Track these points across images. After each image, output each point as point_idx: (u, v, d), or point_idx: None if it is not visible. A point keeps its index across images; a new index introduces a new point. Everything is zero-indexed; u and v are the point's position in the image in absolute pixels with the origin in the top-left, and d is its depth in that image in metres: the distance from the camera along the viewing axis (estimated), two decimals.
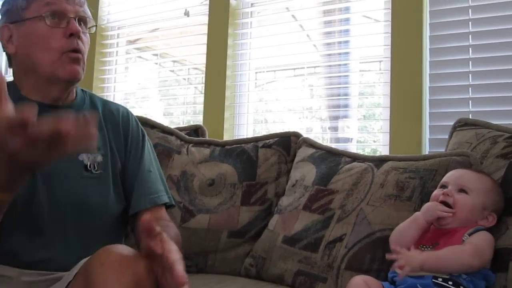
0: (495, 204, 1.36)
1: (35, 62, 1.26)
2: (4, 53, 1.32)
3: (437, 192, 1.39)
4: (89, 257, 1.08)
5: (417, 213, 1.38)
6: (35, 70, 1.26)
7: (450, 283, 1.20)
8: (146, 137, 1.48)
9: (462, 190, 1.35)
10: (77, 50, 1.27)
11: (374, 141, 2.37)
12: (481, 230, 1.30)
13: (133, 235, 1.39)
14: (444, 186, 1.39)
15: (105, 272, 1.00)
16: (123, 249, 1.07)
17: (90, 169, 1.30)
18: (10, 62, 1.32)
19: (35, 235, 1.22)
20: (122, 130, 1.41)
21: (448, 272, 1.22)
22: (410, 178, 1.53)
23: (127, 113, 1.46)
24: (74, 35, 1.26)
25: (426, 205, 1.37)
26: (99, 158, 1.32)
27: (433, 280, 1.21)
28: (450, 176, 1.41)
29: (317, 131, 2.39)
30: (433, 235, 1.34)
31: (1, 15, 1.30)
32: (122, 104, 1.52)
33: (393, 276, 1.31)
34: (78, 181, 1.28)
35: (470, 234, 1.28)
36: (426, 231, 1.36)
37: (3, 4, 1.31)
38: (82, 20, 1.30)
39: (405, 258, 1.21)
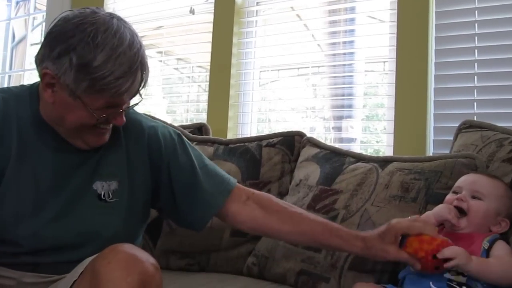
0: (508, 209, 1.34)
1: (65, 124, 1.19)
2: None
3: (450, 197, 1.37)
4: (95, 256, 1.07)
5: (428, 212, 1.37)
6: (61, 126, 1.21)
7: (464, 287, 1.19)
8: (183, 137, 1.41)
9: (475, 196, 1.33)
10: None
11: (377, 142, 2.36)
12: (498, 239, 1.28)
13: (235, 227, 1.49)
14: (456, 192, 1.37)
15: (112, 271, 1.00)
16: (130, 248, 1.07)
17: (104, 198, 1.26)
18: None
19: (43, 256, 1.21)
20: (148, 147, 1.34)
21: (489, 282, 1.20)
22: (415, 179, 1.53)
23: (152, 126, 1.38)
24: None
25: (440, 206, 1.36)
26: (114, 185, 1.28)
27: (447, 282, 1.20)
28: (463, 181, 1.39)
29: (320, 131, 2.39)
30: (447, 237, 1.32)
31: (52, 60, 1.13)
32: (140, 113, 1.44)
33: (404, 275, 1.31)
34: (91, 211, 1.24)
35: (490, 242, 1.26)
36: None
37: (56, 49, 1.12)
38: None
39: (453, 250, 1.19)
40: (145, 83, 1.19)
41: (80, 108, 1.15)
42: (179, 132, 1.43)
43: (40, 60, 1.16)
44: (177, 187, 1.35)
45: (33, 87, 1.27)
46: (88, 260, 1.11)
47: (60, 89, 1.14)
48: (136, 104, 1.26)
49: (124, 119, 1.22)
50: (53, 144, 1.23)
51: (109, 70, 1.10)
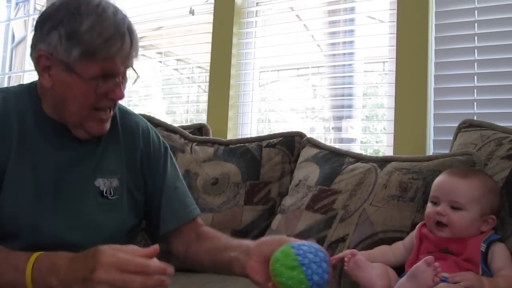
0: (491, 205, 1.32)
1: (67, 108, 1.19)
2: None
3: (430, 209, 1.33)
4: None
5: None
6: (64, 112, 1.21)
7: None
8: (169, 151, 1.44)
9: (455, 207, 1.29)
10: (110, 109, 1.24)
11: (377, 142, 2.36)
12: (495, 241, 1.27)
13: (171, 250, 1.42)
14: (435, 202, 1.34)
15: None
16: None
17: (106, 195, 1.27)
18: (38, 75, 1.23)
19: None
20: (142, 150, 1.37)
21: None
22: (413, 179, 1.53)
23: (147, 130, 1.40)
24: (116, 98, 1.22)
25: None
26: (115, 182, 1.29)
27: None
28: (439, 189, 1.34)
29: (319, 131, 2.39)
30: (438, 241, 1.30)
31: (43, 39, 1.16)
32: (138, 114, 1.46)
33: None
34: (94, 208, 1.25)
35: (487, 244, 1.26)
36: (423, 237, 1.34)
37: (45, 28, 1.16)
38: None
39: (465, 277, 1.17)
40: (136, 51, 1.21)
41: (78, 82, 1.15)
42: (167, 146, 1.45)
43: (33, 46, 1.19)
44: (146, 195, 1.37)
45: (31, 85, 1.28)
46: None
47: (55, 68, 1.16)
48: (135, 81, 1.27)
49: (123, 92, 1.22)
50: (55, 139, 1.24)
51: (97, 33, 1.12)
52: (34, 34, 1.19)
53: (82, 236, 1.22)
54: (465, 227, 1.29)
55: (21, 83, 1.38)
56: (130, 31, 1.18)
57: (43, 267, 1.03)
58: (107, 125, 1.26)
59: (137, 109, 2.68)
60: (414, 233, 1.38)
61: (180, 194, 1.41)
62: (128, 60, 1.20)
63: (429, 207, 1.35)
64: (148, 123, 1.44)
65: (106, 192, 1.27)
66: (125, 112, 1.38)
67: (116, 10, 1.18)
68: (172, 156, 1.45)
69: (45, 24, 1.16)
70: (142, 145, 1.37)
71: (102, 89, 1.17)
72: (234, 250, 1.21)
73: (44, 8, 1.21)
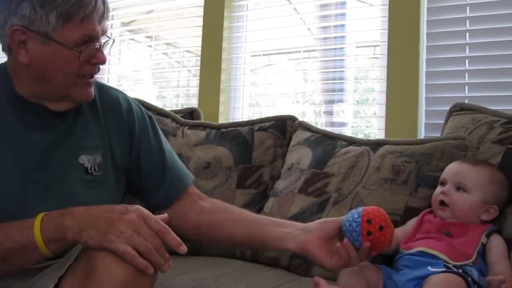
0: (496, 195, 1.34)
1: (49, 81, 1.17)
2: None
3: (436, 191, 1.38)
4: None
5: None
6: (46, 86, 1.18)
7: (460, 270, 1.20)
8: (155, 122, 1.43)
9: (460, 188, 1.34)
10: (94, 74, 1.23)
11: (367, 126, 2.37)
12: (494, 232, 1.29)
13: (177, 222, 1.36)
14: (443, 183, 1.38)
15: (107, 256, 0.99)
16: None
17: (90, 171, 1.25)
18: (9, 54, 1.19)
19: None
20: (127, 122, 1.35)
21: None
22: (406, 162, 1.53)
23: (128, 101, 1.38)
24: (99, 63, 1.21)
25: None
26: (99, 159, 1.27)
27: (444, 263, 1.21)
28: (448, 172, 1.39)
29: (310, 115, 2.39)
30: (440, 225, 1.33)
31: (14, 13, 1.13)
32: (118, 89, 1.45)
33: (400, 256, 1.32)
34: (79, 185, 1.23)
35: (487, 236, 1.27)
36: (425, 221, 1.36)
37: (14, 1, 1.13)
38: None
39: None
40: (108, 12, 1.21)
41: (59, 51, 1.14)
42: (151, 114, 1.45)
43: (3, 23, 1.15)
44: (144, 166, 1.36)
45: (0, 67, 1.25)
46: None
47: (32, 41, 1.13)
48: (111, 46, 1.26)
49: (105, 56, 1.21)
50: (32, 121, 1.21)
51: None
52: (1, 11, 1.16)
53: None
54: (465, 209, 1.32)
55: None
56: None
57: (53, 213, 1.06)
58: (93, 90, 1.24)
59: (130, 94, 2.66)
60: (416, 218, 1.40)
61: (176, 161, 1.42)
62: (104, 20, 1.19)
63: (437, 189, 1.39)
64: (127, 95, 1.42)
65: (90, 169, 1.25)
66: (102, 87, 1.36)
67: None
68: (156, 124, 1.44)
69: None
70: (126, 120, 1.35)
71: (84, 54, 1.16)
72: (285, 227, 1.26)
73: None
